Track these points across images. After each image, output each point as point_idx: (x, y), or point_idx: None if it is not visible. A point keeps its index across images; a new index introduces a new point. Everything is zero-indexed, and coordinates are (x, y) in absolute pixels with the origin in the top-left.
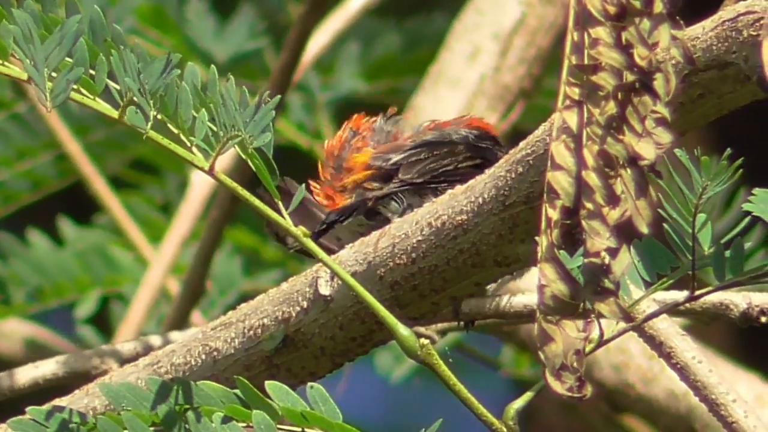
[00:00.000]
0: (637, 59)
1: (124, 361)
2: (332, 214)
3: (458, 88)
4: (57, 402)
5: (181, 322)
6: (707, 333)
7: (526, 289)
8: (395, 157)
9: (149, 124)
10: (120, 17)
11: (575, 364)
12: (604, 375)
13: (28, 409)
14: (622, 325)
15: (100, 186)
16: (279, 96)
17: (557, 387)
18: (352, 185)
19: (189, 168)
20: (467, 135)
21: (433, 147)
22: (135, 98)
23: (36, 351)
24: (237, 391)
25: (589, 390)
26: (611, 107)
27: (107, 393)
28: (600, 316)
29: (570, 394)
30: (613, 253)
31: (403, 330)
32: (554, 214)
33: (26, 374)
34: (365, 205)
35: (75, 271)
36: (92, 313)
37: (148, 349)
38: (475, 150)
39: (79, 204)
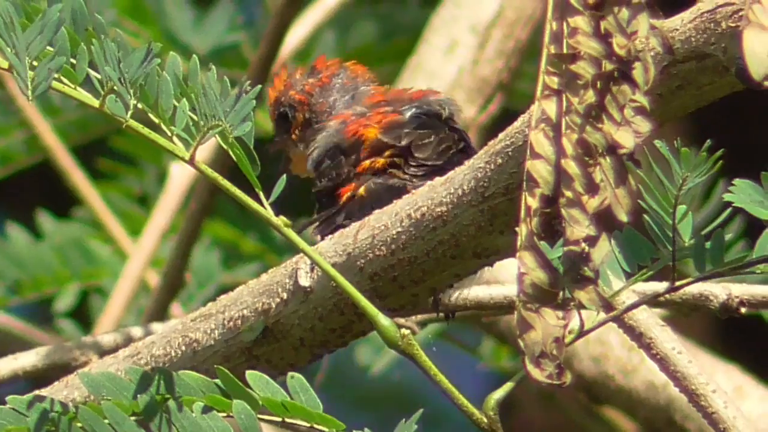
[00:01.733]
0: (615, 48)
1: (104, 352)
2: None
3: (436, 80)
4: (36, 393)
5: (160, 314)
6: (687, 324)
7: (506, 281)
8: (405, 138)
9: (129, 113)
10: (100, 8)
11: (554, 352)
12: (584, 366)
13: (8, 398)
14: (603, 315)
15: (78, 178)
16: (259, 86)
17: (537, 374)
18: (374, 169)
19: (168, 159)
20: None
21: (434, 128)
22: (115, 87)
23: (15, 344)
24: (217, 381)
25: (568, 377)
26: (590, 96)
27: (87, 383)
28: (580, 305)
29: (549, 381)
30: (592, 241)
31: (383, 320)
32: (534, 203)
33: (6, 366)
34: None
35: (54, 264)
36: (72, 307)
37: (128, 341)
38: (457, 132)
39: (58, 197)
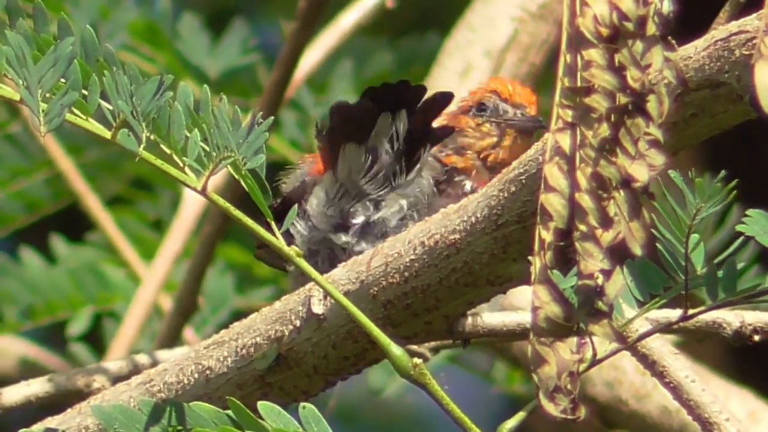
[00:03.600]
0: (630, 81)
1: (115, 378)
2: None
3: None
4: (49, 420)
5: (173, 338)
6: (701, 349)
7: (519, 308)
8: None
9: (141, 146)
10: (112, 32)
11: (569, 386)
12: (597, 391)
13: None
14: (616, 344)
15: (92, 203)
16: (272, 117)
17: (551, 409)
18: None
19: (184, 186)
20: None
21: None
22: (128, 120)
23: (29, 368)
24: (229, 412)
25: (582, 411)
26: (604, 129)
27: (100, 415)
28: (593, 336)
29: (564, 416)
30: (606, 274)
31: (395, 349)
32: (548, 236)
33: (18, 392)
34: None
35: (67, 288)
36: (85, 331)
37: (137, 368)
38: None
39: (72, 222)
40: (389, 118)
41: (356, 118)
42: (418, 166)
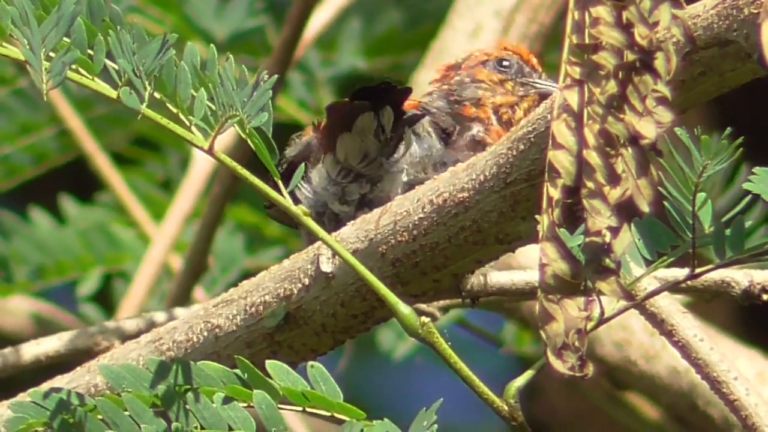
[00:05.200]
0: (637, 38)
1: (126, 337)
2: None
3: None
4: (59, 379)
5: (183, 298)
6: (710, 310)
7: (528, 266)
8: None
9: (144, 104)
10: None
11: (577, 343)
12: (606, 352)
13: (29, 391)
14: (624, 302)
15: (102, 163)
16: (276, 75)
17: (559, 366)
18: None
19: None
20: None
21: None
22: (130, 79)
23: (40, 327)
24: (237, 371)
25: (590, 369)
26: (612, 86)
27: (108, 374)
28: (601, 294)
29: (571, 373)
30: (614, 232)
31: (403, 308)
32: (555, 193)
33: (29, 351)
34: None
35: (77, 249)
36: (95, 291)
37: (150, 326)
38: None
39: (81, 182)
40: (372, 114)
41: (348, 115)
42: (402, 144)
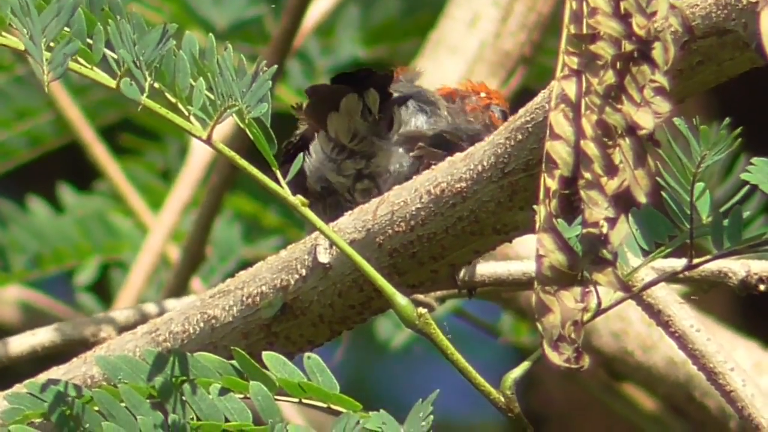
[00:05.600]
0: (635, 28)
1: (121, 328)
2: None
3: (458, 54)
4: (55, 370)
5: (180, 288)
6: (707, 300)
7: (525, 257)
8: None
9: (144, 95)
10: None
11: (573, 335)
12: (603, 342)
13: (26, 383)
14: (620, 293)
15: (99, 152)
16: (275, 66)
17: (555, 358)
18: None
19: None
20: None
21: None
22: (130, 69)
23: (36, 318)
24: (234, 362)
25: (586, 360)
26: (610, 76)
27: (104, 366)
28: (598, 285)
29: (568, 365)
30: (611, 222)
31: (400, 299)
32: (553, 184)
33: (24, 342)
34: None
35: (75, 237)
36: (92, 280)
37: (144, 317)
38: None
39: (79, 170)
40: (355, 96)
41: (333, 97)
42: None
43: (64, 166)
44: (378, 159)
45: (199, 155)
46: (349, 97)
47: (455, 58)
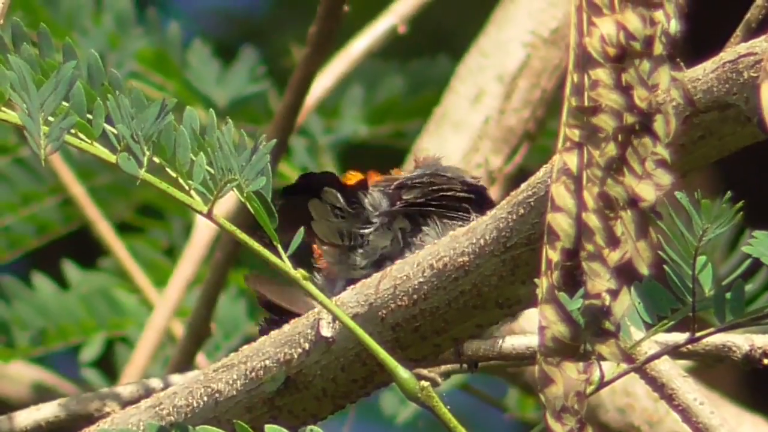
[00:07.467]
0: (637, 101)
1: (125, 403)
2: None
3: (462, 130)
4: None
5: (186, 365)
6: (715, 376)
7: (529, 331)
8: (395, 183)
9: (143, 169)
10: (121, 61)
11: (576, 406)
12: (609, 417)
13: None
14: (624, 366)
15: (104, 229)
16: (275, 140)
17: (558, 429)
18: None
19: (193, 211)
20: (461, 174)
21: (432, 176)
22: (129, 144)
23: (41, 394)
24: None
25: (589, 431)
26: (611, 149)
27: None
28: (601, 357)
29: None
30: (613, 294)
31: (403, 372)
32: (554, 256)
33: (28, 416)
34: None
35: (79, 314)
36: (97, 356)
37: (148, 392)
38: (469, 185)
39: (84, 247)
40: (317, 201)
41: (299, 210)
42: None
43: (69, 243)
44: (377, 242)
45: (202, 232)
46: (313, 203)
47: (460, 134)
